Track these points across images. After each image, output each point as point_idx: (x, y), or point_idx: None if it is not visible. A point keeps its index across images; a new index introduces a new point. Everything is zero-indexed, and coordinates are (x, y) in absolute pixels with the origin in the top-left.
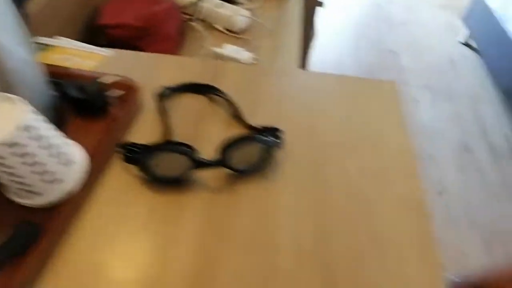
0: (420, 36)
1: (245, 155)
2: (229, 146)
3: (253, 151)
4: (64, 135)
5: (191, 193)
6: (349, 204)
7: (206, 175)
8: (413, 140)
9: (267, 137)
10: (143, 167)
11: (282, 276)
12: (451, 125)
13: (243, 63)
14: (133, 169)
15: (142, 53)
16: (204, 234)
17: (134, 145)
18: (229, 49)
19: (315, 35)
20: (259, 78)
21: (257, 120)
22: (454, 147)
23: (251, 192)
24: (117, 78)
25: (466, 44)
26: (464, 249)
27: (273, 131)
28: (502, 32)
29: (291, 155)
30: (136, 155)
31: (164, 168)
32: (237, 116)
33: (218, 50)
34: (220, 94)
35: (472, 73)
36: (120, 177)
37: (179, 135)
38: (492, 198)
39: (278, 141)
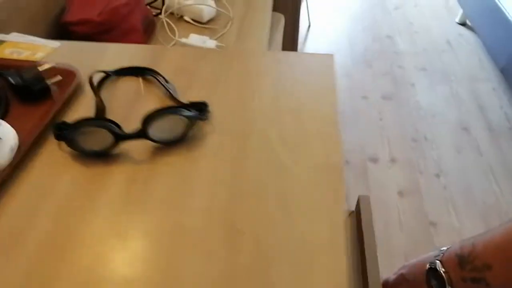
0: (416, 19)
1: (166, 127)
2: (150, 119)
3: (175, 123)
4: None
5: (116, 164)
6: (265, 171)
7: (131, 148)
8: (336, 110)
9: (191, 111)
10: (71, 143)
11: (188, 234)
12: (448, 106)
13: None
14: (64, 145)
15: (89, 43)
16: (122, 202)
17: (64, 123)
18: (195, 39)
19: (308, 22)
20: (198, 60)
21: (191, 97)
22: (451, 129)
23: (171, 162)
24: (54, 64)
25: (463, 24)
26: (462, 231)
27: (200, 106)
28: (497, 10)
29: (219, 128)
30: (65, 132)
31: (89, 142)
32: (170, 95)
33: (184, 40)
34: (156, 76)
35: (469, 53)
36: (53, 153)
37: (114, 114)
38: (490, 177)
39: (203, 114)
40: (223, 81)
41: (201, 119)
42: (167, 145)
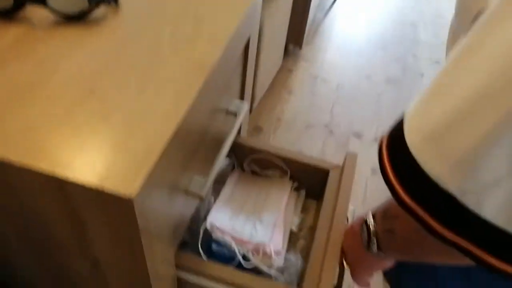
0: (447, 13)
1: (68, 1)
2: None
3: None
4: None
5: (12, 25)
6: (143, 59)
7: (31, 15)
8: (234, 24)
9: None
10: None
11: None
12: None
13: None
14: None
15: None
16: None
17: None
18: None
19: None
20: None
21: None
22: None
23: (66, 36)
24: None
25: None
26: None
27: None
28: None
29: (126, 13)
30: None
31: None
32: None
33: None
34: None
35: None
36: None
37: None
38: None
39: None
40: None
41: (108, 2)
42: (66, 20)
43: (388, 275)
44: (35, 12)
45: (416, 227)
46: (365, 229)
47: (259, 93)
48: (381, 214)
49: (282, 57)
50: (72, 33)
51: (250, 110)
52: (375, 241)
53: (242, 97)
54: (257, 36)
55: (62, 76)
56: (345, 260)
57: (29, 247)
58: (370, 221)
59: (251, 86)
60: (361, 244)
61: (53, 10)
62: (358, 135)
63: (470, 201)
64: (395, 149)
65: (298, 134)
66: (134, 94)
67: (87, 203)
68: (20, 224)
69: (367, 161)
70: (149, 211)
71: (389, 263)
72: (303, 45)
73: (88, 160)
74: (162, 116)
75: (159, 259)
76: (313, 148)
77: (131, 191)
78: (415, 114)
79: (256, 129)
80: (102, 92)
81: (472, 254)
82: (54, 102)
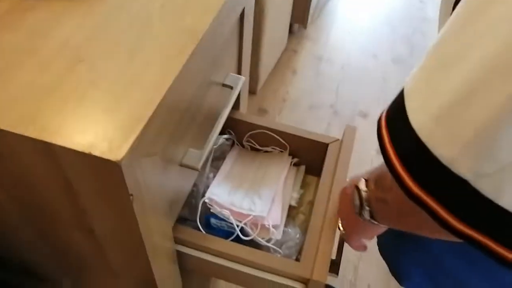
0: None
1: None
2: None
3: None
4: None
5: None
6: (132, 27)
7: None
8: None
9: None
10: None
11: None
12: None
13: None
14: None
15: None
16: None
17: None
18: None
19: None
20: None
21: None
22: None
23: (57, 5)
24: None
25: None
26: None
27: None
28: None
29: None
30: None
31: None
32: None
33: None
34: None
35: None
36: None
37: None
38: None
39: None
40: None
41: None
42: None
43: (383, 251)
44: None
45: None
46: (357, 196)
47: (264, 75)
48: (374, 182)
49: (286, 37)
50: (62, 3)
51: (255, 92)
52: (367, 208)
53: (239, 71)
54: (252, 8)
55: (52, 44)
56: (341, 224)
57: (26, 220)
58: (363, 187)
59: (249, 60)
60: (353, 209)
61: None
62: (364, 115)
63: (486, 187)
64: (398, 133)
65: (303, 115)
66: (123, 62)
67: (78, 170)
68: (17, 196)
69: (373, 141)
70: (140, 179)
71: (384, 229)
72: (308, 25)
73: (76, 126)
74: (150, 84)
75: (155, 231)
76: (317, 129)
77: (118, 155)
78: (417, 92)
79: (261, 111)
80: (91, 61)
81: (488, 248)
82: (43, 70)
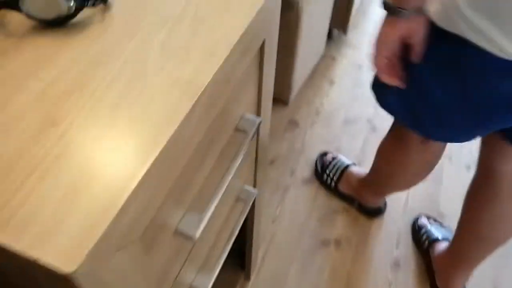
0: None
1: (46, 6)
2: None
3: (56, 4)
4: None
5: None
6: (121, 74)
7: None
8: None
9: None
10: None
11: None
12: None
13: None
14: None
15: None
16: None
17: None
18: None
19: None
20: None
21: None
22: None
23: (41, 43)
24: None
25: None
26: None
27: None
28: None
29: (115, 15)
30: None
31: None
32: None
33: None
34: None
35: None
36: None
37: None
38: None
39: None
40: None
41: (92, 5)
42: (44, 25)
43: (373, 88)
44: (12, 16)
45: None
46: None
47: (297, 83)
48: None
49: (324, 43)
50: (48, 43)
51: (287, 102)
52: None
53: (258, 112)
54: (275, 39)
55: (24, 99)
56: None
57: None
58: None
59: (270, 98)
60: None
61: (28, 16)
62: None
63: None
64: None
65: (337, 130)
66: (101, 126)
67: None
68: None
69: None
70: (109, 280)
71: None
72: (348, 30)
73: (27, 222)
74: (131, 157)
75: None
76: (352, 146)
77: (70, 265)
78: None
79: (292, 123)
80: (65, 125)
81: None
82: (5, 135)
